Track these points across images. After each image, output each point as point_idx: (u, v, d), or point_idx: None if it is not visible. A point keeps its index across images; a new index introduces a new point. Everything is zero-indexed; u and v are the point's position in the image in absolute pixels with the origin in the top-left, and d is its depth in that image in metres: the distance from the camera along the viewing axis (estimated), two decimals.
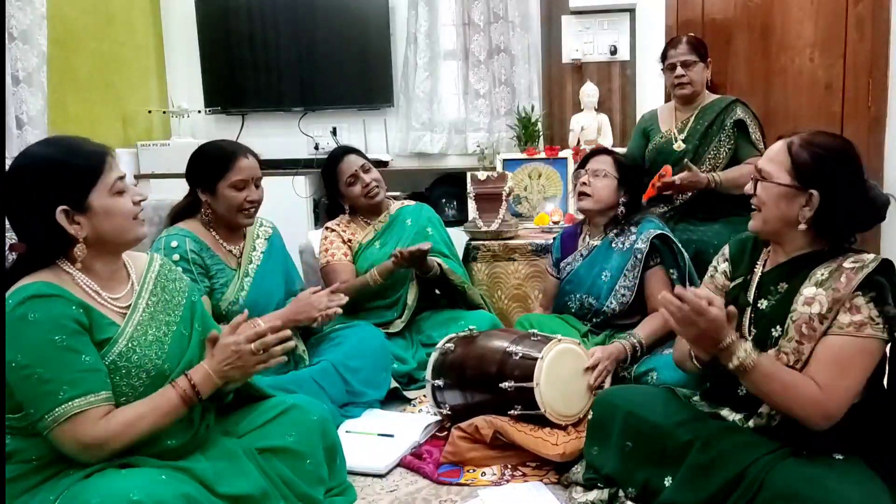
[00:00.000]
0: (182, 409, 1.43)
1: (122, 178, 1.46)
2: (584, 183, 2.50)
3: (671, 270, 2.39)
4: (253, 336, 1.47)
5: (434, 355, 2.28)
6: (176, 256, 2.11)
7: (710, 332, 1.46)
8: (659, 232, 2.39)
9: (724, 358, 1.48)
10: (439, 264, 2.74)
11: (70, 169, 1.40)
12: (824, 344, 1.47)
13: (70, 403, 1.31)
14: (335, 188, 2.85)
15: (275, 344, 1.49)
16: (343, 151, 2.88)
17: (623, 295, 2.39)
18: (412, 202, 3.03)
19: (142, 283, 1.53)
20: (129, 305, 1.48)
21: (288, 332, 1.53)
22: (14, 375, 1.32)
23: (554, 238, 2.77)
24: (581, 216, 2.70)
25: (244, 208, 2.22)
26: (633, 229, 2.45)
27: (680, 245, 2.43)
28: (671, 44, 3.04)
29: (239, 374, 1.49)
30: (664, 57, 3.06)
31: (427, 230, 2.88)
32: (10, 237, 1.50)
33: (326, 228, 2.88)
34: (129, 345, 1.43)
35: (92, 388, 1.34)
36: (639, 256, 2.37)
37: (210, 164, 2.21)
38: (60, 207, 1.38)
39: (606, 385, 2.13)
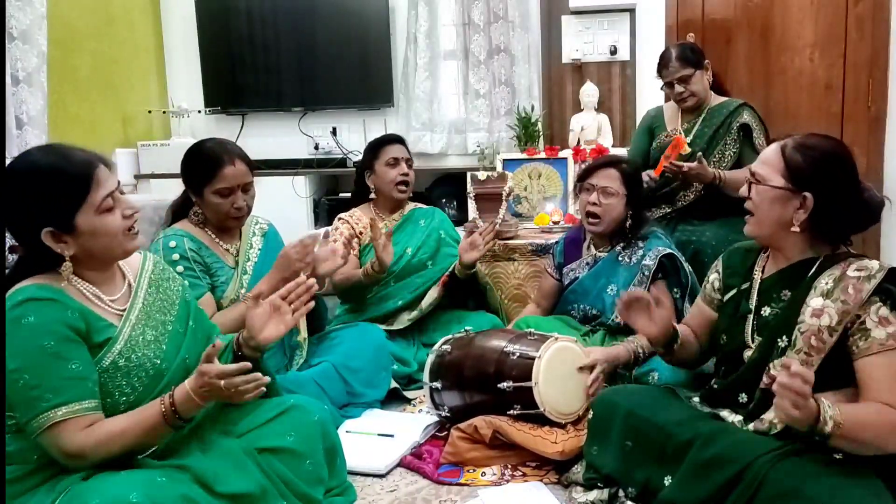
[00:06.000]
0: (164, 428, 1.40)
1: (111, 193, 1.41)
2: (594, 203, 2.42)
3: (675, 290, 2.37)
4: (220, 374, 1.38)
5: (430, 358, 2.27)
6: (175, 256, 2.10)
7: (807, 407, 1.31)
8: (668, 251, 2.37)
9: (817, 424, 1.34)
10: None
11: (54, 190, 1.36)
12: (874, 365, 1.43)
13: (53, 412, 1.32)
14: (371, 163, 2.87)
15: (244, 384, 1.40)
16: (399, 138, 2.94)
17: None
18: (424, 205, 3.05)
19: (137, 284, 1.54)
20: (126, 307, 1.49)
21: (258, 375, 1.42)
22: (6, 378, 1.32)
23: (557, 241, 2.76)
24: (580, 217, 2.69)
25: (231, 215, 2.19)
26: (641, 244, 2.42)
27: (685, 263, 2.42)
28: (662, 63, 2.95)
29: (217, 399, 1.45)
30: (660, 75, 2.98)
31: (440, 233, 2.90)
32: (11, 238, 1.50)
33: (339, 219, 2.90)
34: (128, 345, 1.44)
35: (76, 396, 1.34)
36: (646, 273, 2.35)
37: (197, 169, 2.18)
38: (46, 229, 1.36)
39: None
